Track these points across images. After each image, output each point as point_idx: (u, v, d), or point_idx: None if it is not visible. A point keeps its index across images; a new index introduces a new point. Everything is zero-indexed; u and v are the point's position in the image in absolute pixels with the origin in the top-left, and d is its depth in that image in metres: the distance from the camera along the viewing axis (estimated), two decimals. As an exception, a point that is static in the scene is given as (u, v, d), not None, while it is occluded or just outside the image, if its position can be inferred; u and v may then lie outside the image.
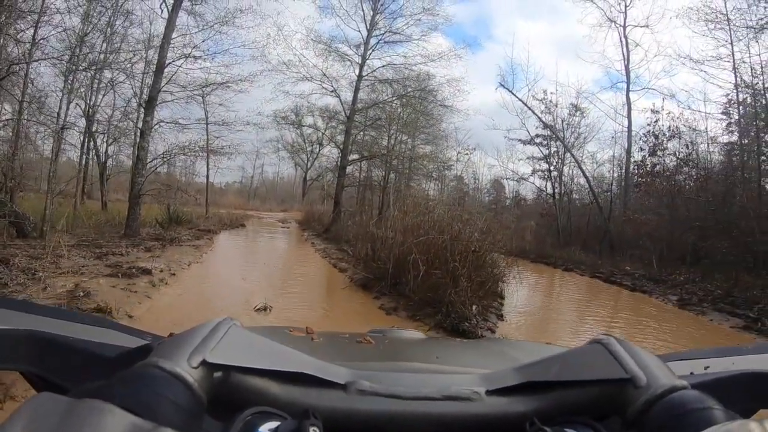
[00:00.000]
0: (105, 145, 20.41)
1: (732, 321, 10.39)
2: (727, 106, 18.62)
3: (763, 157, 17.49)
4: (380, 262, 9.39)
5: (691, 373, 0.78)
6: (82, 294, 6.81)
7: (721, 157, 20.15)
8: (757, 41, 16.54)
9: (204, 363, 0.56)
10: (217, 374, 0.59)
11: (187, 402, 0.52)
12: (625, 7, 23.63)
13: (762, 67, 16.84)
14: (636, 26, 23.72)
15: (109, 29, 16.83)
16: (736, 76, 18.32)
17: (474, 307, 7.42)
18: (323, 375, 0.67)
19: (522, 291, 11.96)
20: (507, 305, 9.63)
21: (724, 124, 19.34)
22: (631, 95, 23.92)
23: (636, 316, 11.31)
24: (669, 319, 10.92)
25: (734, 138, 19.21)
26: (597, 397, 0.64)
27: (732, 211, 16.79)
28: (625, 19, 23.81)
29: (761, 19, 15.98)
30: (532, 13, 49.82)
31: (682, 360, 0.86)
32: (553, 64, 53.07)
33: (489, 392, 0.67)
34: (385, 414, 0.65)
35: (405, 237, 9.02)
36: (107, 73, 18.09)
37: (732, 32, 18.05)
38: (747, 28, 17.15)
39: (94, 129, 18.74)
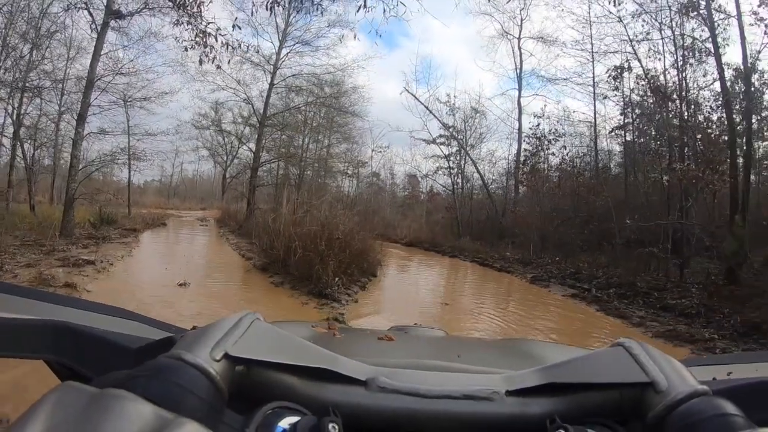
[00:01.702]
0: (33, 149, 21.11)
1: (568, 291, 13.34)
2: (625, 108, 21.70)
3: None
4: (275, 250, 11.74)
5: (714, 379, 0.82)
6: (49, 277, 8.80)
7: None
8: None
9: (226, 356, 0.60)
10: (239, 368, 0.62)
11: (208, 394, 0.55)
12: (521, 20, 26.67)
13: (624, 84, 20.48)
14: (530, 38, 26.70)
15: (33, 33, 17.95)
16: (594, 90, 22.38)
17: (337, 279, 10.15)
18: (344, 371, 0.70)
19: (399, 271, 15.00)
20: (378, 281, 12.46)
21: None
22: (524, 100, 27.11)
23: (488, 287, 14.58)
24: (514, 289, 14.29)
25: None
26: (617, 400, 0.66)
27: (596, 204, 19.92)
28: (520, 31, 26.84)
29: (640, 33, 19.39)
30: (443, 14, 52.12)
31: (704, 365, 0.94)
32: (461, 64, 56.34)
33: (509, 392, 0.70)
34: (404, 411, 0.67)
35: (292, 229, 11.59)
36: (32, 75, 18.86)
37: (593, 53, 22.12)
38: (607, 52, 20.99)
39: (22, 135, 19.73)
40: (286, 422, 0.60)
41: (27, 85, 18.81)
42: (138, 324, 0.95)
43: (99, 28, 16.24)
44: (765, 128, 16.08)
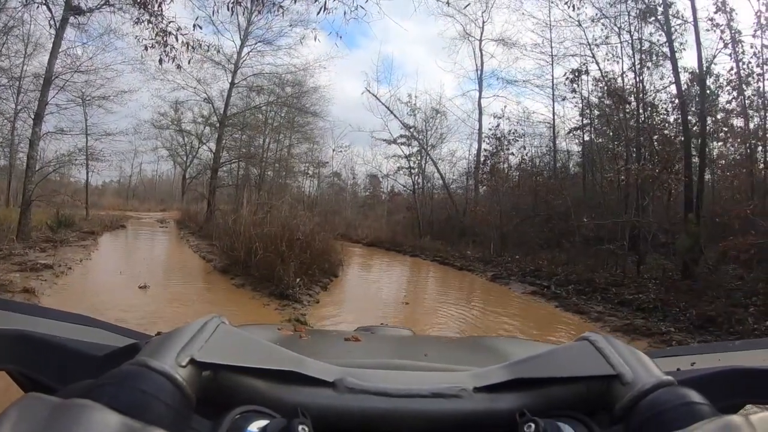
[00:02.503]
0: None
1: (528, 289, 13.52)
2: (583, 109, 22.23)
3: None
4: (236, 251, 11.72)
5: (678, 369, 0.82)
6: (7, 282, 8.81)
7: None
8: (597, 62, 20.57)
9: (192, 362, 0.60)
10: (206, 373, 0.62)
11: (175, 401, 0.55)
12: (483, 22, 26.72)
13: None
14: (491, 40, 26.72)
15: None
16: (553, 92, 22.92)
17: (298, 280, 10.23)
18: (312, 373, 0.70)
19: (361, 271, 15.11)
20: (339, 281, 12.57)
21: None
22: (485, 101, 27.20)
23: (448, 285, 14.77)
24: (475, 287, 14.53)
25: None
26: (584, 393, 0.68)
27: (555, 203, 20.28)
28: (481, 33, 26.83)
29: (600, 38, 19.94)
30: (404, 14, 52.15)
31: (669, 356, 0.93)
32: (422, 64, 56.68)
33: (477, 389, 0.71)
34: (374, 411, 0.67)
35: (252, 230, 11.67)
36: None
37: (552, 56, 22.69)
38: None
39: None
40: (255, 426, 0.60)
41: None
42: (101, 331, 0.91)
43: (58, 24, 15.96)
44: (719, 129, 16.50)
